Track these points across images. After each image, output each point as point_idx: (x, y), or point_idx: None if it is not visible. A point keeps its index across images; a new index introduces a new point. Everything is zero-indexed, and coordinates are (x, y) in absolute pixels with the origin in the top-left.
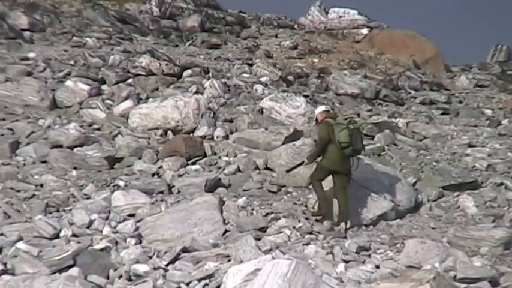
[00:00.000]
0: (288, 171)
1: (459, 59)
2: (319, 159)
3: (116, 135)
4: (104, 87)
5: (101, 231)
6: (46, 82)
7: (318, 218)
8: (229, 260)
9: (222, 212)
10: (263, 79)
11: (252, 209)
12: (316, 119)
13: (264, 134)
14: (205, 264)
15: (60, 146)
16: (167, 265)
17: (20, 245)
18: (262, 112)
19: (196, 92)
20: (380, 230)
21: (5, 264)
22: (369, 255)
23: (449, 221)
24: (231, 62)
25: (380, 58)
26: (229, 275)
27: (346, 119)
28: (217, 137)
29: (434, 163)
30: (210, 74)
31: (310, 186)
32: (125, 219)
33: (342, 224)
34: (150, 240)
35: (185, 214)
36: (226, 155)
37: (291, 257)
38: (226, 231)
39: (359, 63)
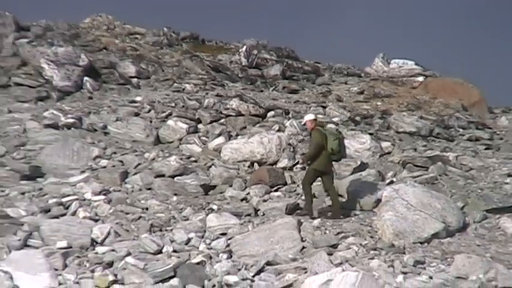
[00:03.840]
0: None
1: (501, 101)
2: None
3: (210, 166)
4: (200, 126)
5: (198, 248)
6: (151, 121)
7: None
8: (305, 272)
9: (300, 231)
10: (335, 119)
11: (325, 229)
12: (305, 124)
13: (335, 165)
14: (285, 275)
15: (163, 176)
16: (253, 276)
17: (129, 259)
18: None
19: (279, 130)
20: (433, 246)
21: (116, 275)
22: (424, 268)
23: (491, 239)
24: (307, 105)
25: (433, 102)
26: (306, 285)
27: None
28: (296, 168)
29: (479, 190)
30: (290, 115)
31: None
32: (217, 238)
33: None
34: (239, 255)
35: (269, 233)
36: None
37: (358, 269)
38: (303, 247)
39: (416, 106)
